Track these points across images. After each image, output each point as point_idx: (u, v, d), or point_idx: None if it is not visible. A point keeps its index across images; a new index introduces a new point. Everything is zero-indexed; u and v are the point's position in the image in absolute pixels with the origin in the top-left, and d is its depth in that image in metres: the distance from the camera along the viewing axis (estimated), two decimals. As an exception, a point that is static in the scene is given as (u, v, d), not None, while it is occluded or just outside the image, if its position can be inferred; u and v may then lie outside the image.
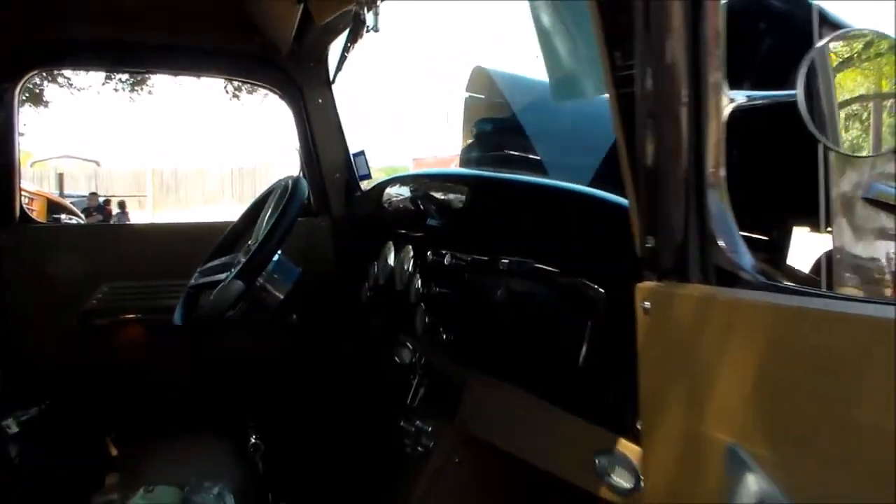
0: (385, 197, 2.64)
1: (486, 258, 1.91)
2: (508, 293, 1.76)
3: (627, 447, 1.37)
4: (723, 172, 1.01)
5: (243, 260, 2.18)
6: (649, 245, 1.03)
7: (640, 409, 1.08)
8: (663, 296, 1.01)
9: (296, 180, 2.24)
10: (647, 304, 1.03)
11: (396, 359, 2.34)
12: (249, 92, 14.50)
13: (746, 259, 0.99)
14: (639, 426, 1.30)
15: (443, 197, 2.21)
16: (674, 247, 1.01)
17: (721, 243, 0.99)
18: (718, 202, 1.01)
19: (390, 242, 2.53)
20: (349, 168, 2.92)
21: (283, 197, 2.23)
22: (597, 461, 1.43)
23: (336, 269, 2.89)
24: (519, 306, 1.75)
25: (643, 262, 1.05)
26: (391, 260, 2.52)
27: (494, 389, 1.86)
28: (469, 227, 2.05)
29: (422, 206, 2.29)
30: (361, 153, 2.87)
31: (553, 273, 1.68)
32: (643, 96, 1.01)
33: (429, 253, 2.20)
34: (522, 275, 1.78)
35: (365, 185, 2.90)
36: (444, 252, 2.13)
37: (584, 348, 1.51)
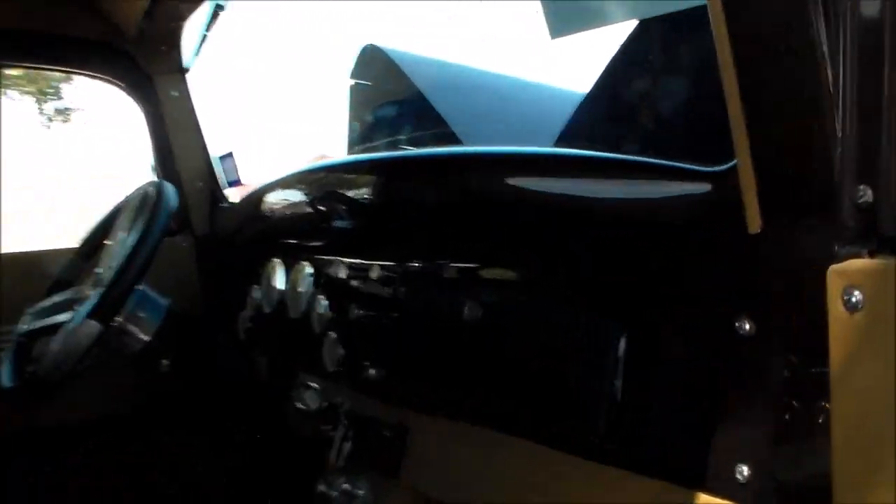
0: (265, 206, 2.15)
1: (430, 263, 1.47)
2: (473, 306, 1.32)
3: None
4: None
5: (93, 293, 1.68)
6: (864, 200, 0.63)
7: (834, 456, 0.69)
8: (888, 279, 0.62)
9: (159, 186, 1.75)
10: (857, 294, 0.63)
11: (300, 405, 1.87)
12: (65, 115, 13.29)
13: None
14: (741, 476, 0.92)
15: (355, 193, 1.75)
16: None
17: None
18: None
19: (276, 260, 2.05)
20: (212, 174, 2.41)
21: (142, 208, 1.73)
22: None
23: (203, 299, 2.37)
24: (489, 322, 1.32)
25: (838, 228, 0.66)
26: (278, 282, 2.04)
27: (455, 435, 1.43)
28: (401, 226, 1.60)
29: (323, 209, 1.82)
30: (229, 155, 2.37)
31: (537, 271, 1.27)
32: None
33: (338, 267, 1.75)
34: (492, 281, 1.36)
35: (234, 193, 2.39)
36: (362, 262, 1.68)
37: (607, 373, 1.11)
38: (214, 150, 2.40)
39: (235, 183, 2.37)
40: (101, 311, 1.59)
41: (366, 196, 1.71)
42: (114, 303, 1.61)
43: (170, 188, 1.74)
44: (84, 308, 1.63)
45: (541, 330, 1.21)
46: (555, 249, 1.20)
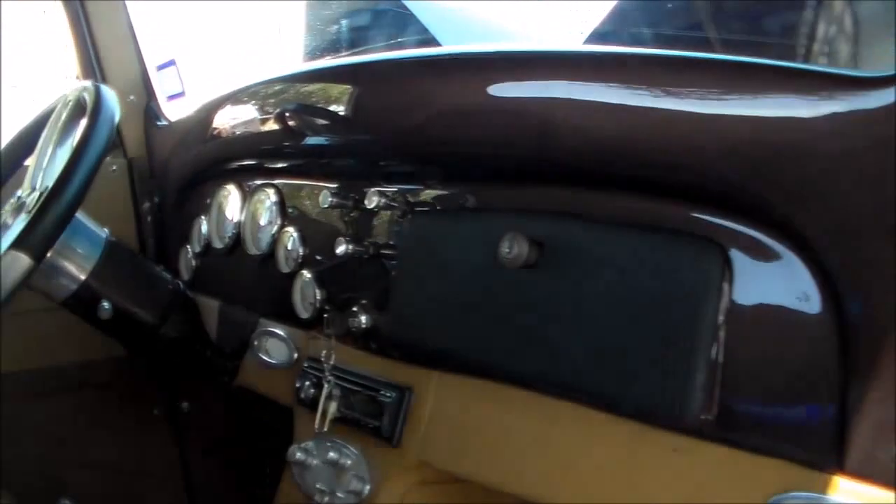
0: (215, 126, 1.82)
1: (452, 187, 1.21)
2: (514, 238, 1.05)
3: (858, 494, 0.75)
4: None
5: (14, 222, 1.36)
6: None
7: None
8: None
9: (97, 89, 1.42)
10: None
11: (266, 358, 1.60)
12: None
13: None
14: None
15: (337, 103, 1.45)
16: None
17: None
18: None
19: (229, 187, 1.75)
20: (148, 86, 2.07)
21: (76, 115, 1.41)
22: None
23: (138, 233, 2.06)
24: (534, 256, 1.06)
25: None
26: (233, 212, 1.74)
27: (477, 397, 1.18)
28: (407, 141, 1.31)
29: (293, 123, 1.52)
30: (171, 63, 2.03)
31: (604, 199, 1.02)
32: None
33: (316, 192, 1.46)
34: (536, 209, 1.10)
35: (174, 110, 2.06)
36: (347, 187, 1.40)
37: (707, 319, 0.87)
38: (154, 59, 2.07)
39: (177, 96, 2.04)
40: (30, 242, 1.25)
41: (353, 106, 1.41)
42: (47, 230, 1.27)
43: (109, 91, 1.42)
44: (5, 238, 1.30)
45: (614, 263, 0.96)
46: (636, 172, 0.94)
